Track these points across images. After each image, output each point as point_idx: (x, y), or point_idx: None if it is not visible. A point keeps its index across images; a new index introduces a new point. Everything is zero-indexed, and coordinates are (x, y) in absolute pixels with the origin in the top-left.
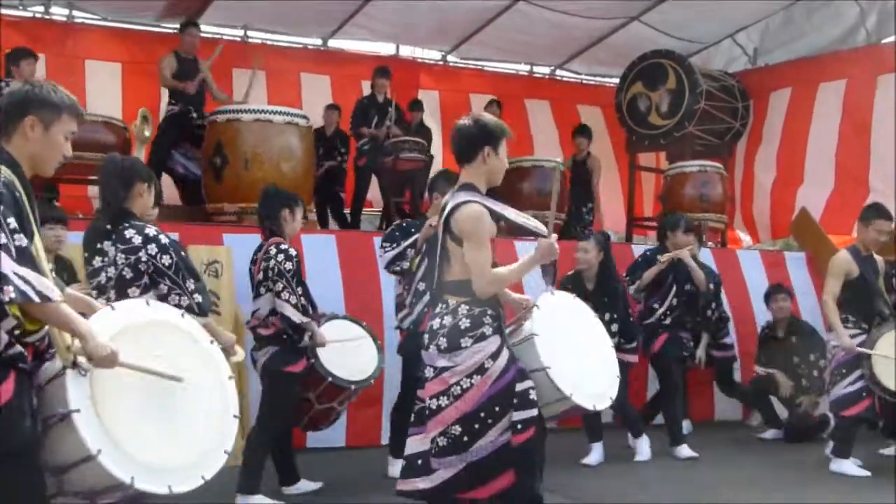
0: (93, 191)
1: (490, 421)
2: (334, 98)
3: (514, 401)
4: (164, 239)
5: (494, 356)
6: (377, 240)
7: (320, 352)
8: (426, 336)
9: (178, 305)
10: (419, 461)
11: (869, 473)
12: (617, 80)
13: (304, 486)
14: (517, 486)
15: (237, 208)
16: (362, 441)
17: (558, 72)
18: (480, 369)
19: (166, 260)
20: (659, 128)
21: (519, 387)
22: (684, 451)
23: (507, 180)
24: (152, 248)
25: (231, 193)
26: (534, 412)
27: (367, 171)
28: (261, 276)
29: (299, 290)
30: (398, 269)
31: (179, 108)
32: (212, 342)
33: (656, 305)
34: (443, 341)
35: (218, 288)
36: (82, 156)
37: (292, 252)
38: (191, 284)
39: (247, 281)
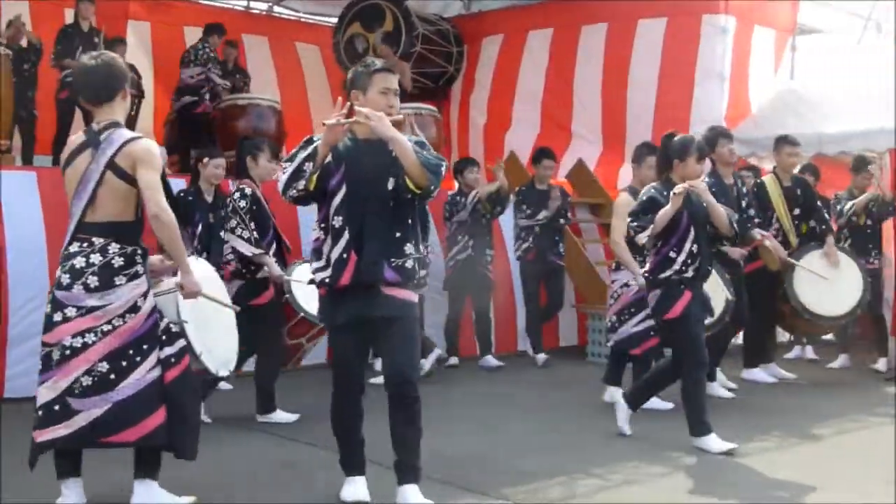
0: None
1: (138, 359)
2: (34, 27)
3: (163, 337)
4: None
5: (145, 295)
6: None
7: (295, 289)
8: (66, 276)
9: None
10: (56, 407)
11: (672, 405)
12: (335, 20)
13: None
14: (169, 424)
15: None
16: None
17: (276, 8)
18: (134, 308)
19: None
20: None
21: (163, 323)
22: (714, 442)
23: (222, 119)
24: None
25: None
26: (183, 343)
27: (70, 105)
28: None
29: (252, 225)
30: (295, 192)
31: None
32: None
33: (673, 254)
34: (93, 280)
35: None
36: None
37: (248, 191)
38: None
39: None
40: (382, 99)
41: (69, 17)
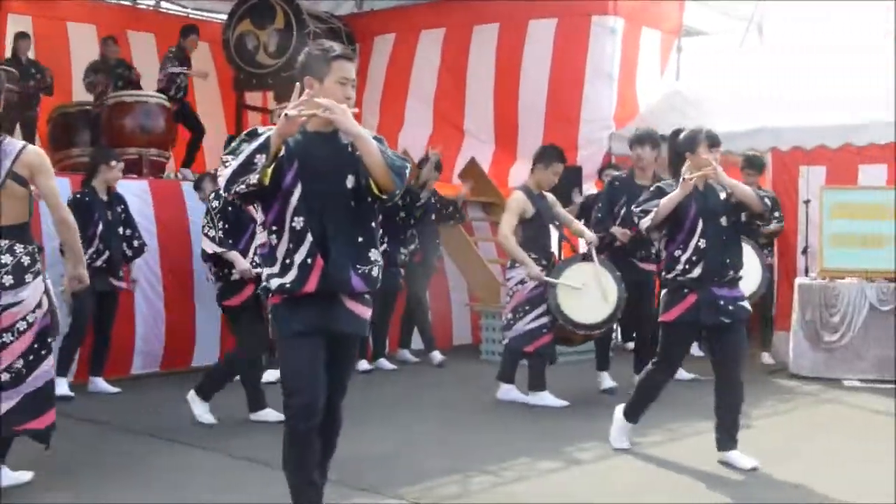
0: None
1: (43, 352)
2: None
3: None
4: None
5: (46, 293)
6: None
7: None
8: None
9: None
10: None
11: (567, 403)
12: (225, 17)
13: (270, 414)
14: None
15: None
16: None
17: (163, 3)
18: (40, 304)
19: None
20: (267, 67)
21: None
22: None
23: (109, 116)
24: None
25: None
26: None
27: None
28: None
29: (220, 224)
30: (244, 188)
31: None
32: None
33: (678, 252)
34: (8, 278)
35: None
36: None
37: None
38: None
39: None
40: (340, 90)
41: None
